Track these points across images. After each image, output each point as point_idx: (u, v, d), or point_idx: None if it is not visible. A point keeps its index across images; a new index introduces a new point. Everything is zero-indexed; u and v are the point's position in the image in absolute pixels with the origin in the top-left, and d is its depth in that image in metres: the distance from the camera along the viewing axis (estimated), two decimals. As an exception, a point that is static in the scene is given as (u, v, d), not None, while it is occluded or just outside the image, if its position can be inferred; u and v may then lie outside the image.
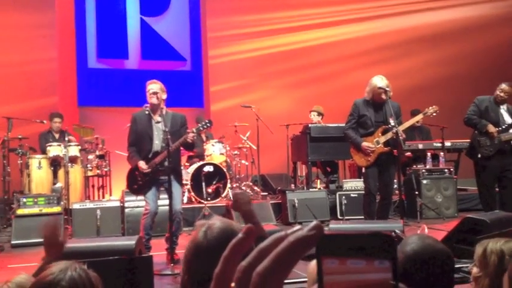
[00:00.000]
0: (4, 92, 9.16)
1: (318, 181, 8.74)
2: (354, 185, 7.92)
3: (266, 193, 8.61)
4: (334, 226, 4.68)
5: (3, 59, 9.32)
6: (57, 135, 8.16)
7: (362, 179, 6.63)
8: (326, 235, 0.48)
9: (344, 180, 8.34)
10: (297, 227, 0.50)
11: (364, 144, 5.76)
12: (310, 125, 8.27)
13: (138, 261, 3.37)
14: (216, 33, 10.92)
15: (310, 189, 8.06)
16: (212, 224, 1.55)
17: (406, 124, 5.91)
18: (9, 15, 9.47)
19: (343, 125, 6.15)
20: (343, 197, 7.73)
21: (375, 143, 5.76)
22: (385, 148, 5.76)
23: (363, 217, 6.13)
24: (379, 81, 5.78)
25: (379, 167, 5.82)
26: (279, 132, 8.66)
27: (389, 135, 5.70)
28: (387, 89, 5.73)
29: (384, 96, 5.73)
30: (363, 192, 6.16)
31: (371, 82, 5.85)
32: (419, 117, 6.30)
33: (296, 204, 7.43)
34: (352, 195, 7.76)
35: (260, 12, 11.17)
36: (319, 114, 8.90)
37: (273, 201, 7.83)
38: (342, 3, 11.77)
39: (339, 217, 7.62)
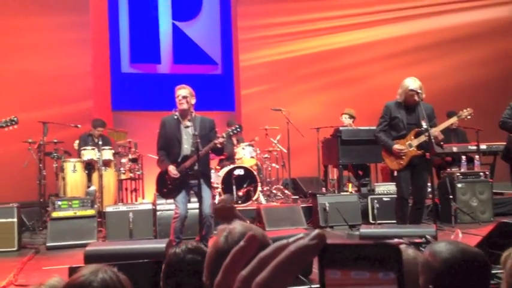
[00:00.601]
0: (40, 96, 9.39)
1: (350, 185, 8.64)
2: (386, 189, 7.80)
3: (297, 196, 8.56)
4: (364, 230, 4.61)
5: (39, 64, 9.56)
6: (96, 140, 8.31)
7: (394, 183, 6.53)
8: (328, 245, 0.47)
9: (376, 184, 8.23)
10: (300, 235, 0.49)
11: (396, 147, 5.66)
12: (341, 128, 8.20)
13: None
14: (247, 35, 10.95)
15: (342, 193, 7.98)
16: (233, 228, 1.54)
17: (441, 126, 5.78)
18: (45, 20, 9.69)
19: (375, 127, 6.07)
20: (375, 201, 7.62)
21: (408, 146, 5.66)
22: (418, 151, 5.65)
23: (395, 221, 6.04)
24: (411, 82, 5.68)
25: (411, 171, 5.72)
26: (310, 135, 8.62)
27: (422, 138, 5.59)
28: (419, 91, 5.62)
29: (416, 98, 5.62)
30: (395, 196, 6.06)
31: (403, 84, 5.76)
32: (453, 120, 6.16)
33: (327, 208, 7.37)
34: (384, 199, 7.64)
35: (290, 14, 11.15)
36: (351, 117, 8.81)
37: (303, 205, 7.78)
38: (373, 4, 11.64)
39: (371, 221, 7.52)
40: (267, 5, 11.05)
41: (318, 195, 7.61)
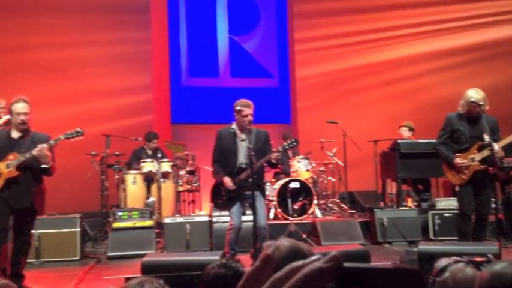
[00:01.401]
0: (102, 110, 9.73)
1: (409, 199, 8.41)
2: (447, 204, 7.53)
3: (354, 211, 8.42)
4: (423, 247, 4.46)
5: (101, 78, 9.93)
6: (150, 152, 8.53)
7: (456, 198, 6.29)
8: (344, 268, 0.45)
9: (437, 199, 7.97)
10: (315, 256, 0.47)
11: (457, 160, 5.47)
12: (399, 141, 8.02)
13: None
14: (303, 47, 10.94)
15: (401, 208, 7.78)
16: (280, 244, 1.54)
17: (505, 141, 5.54)
18: (107, 36, 10.04)
19: (435, 140, 5.90)
20: (436, 217, 7.37)
21: (470, 160, 5.46)
22: (481, 166, 5.43)
23: (457, 238, 5.82)
24: (474, 94, 5.48)
25: (474, 186, 5.50)
26: (367, 148, 8.48)
27: (485, 152, 5.37)
28: (482, 102, 5.41)
29: (478, 110, 5.42)
30: (457, 211, 5.85)
31: (465, 95, 5.56)
32: (503, 142, 5.85)
33: (385, 223, 7.21)
34: (445, 214, 7.38)
35: (347, 25, 11.05)
36: (410, 129, 8.59)
37: (360, 219, 7.65)
38: (434, 13, 11.34)
39: (431, 238, 7.28)
40: (323, 17, 11.01)
41: (375, 209, 7.46)
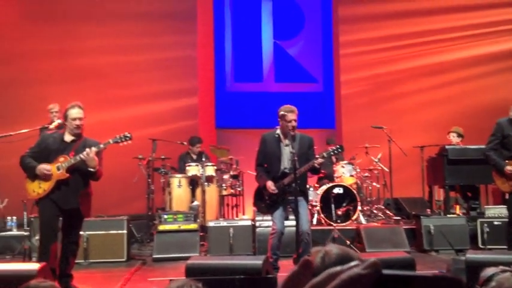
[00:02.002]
0: (149, 114, 9.94)
1: (457, 207, 8.19)
2: (497, 212, 7.29)
3: (399, 217, 8.27)
4: (471, 256, 4.33)
5: (148, 82, 10.15)
6: (195, 157, 8.64)
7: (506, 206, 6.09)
8: (383, 275, 0.45)
9: (486, 206, 7.73)
10: (354, 262, 0.47)
11: (508, 168, 5.30)
12: (447, 147, 7.83)
13: (263, 281, 3.43)
14: (348, 51, 10.86)
15: (448, 215, 7.59)
16: (329, 250, 1.53)
17: None
18: (153, 40, 10.25)
19: (484, 146, 5.74)
20: (485, 225, 7.15)
21: None
22: None
23: (506, 247, 5.63)
24: None
25: None
26: (413, 154, 8.32)
27: None
28: None
29: None
30: (507, 220, 5.66)
31: None
32: None
33: (432, 231, 7.05)
34: (495, 222, 7.15)
35: (394, 28, 10.91)
36: (459, 135, 8.37)
37: (406, 227, 7.50)
38: (481, 16, 11.02)
39: (480, 246, 7.06)
40: (368, 21, 10.89)
41: (422, 216, 7.30)
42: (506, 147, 5.46)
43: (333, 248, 1.59)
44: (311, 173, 5.61)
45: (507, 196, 5.62)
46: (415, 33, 10.89)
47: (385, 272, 0.45)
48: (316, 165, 5.06)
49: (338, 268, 0.47)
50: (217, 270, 3.90)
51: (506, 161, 5.38)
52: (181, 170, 8.47)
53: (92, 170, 4.80)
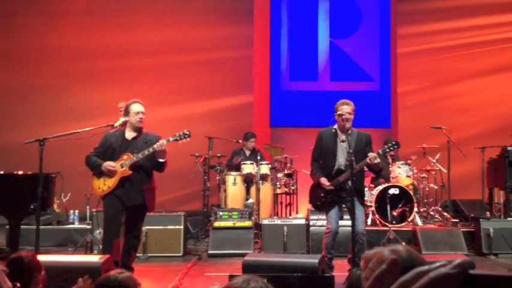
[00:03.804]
0: (205, 112, 10.13)
1: (519, 210, 7.92)
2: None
3: (457, 220, 8.06)
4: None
5: (205, 80, 10.34)
6: (248, 153, 8.74)
7: None
8: (471, 275, 0.47)
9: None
10: (440, 262, 0.50)
11: None
12: (508, 148, 7.58)
13: (320, 280, 3.46)
14: (405, 48, 10.67)
15: (509, 218, 7.35)
16: (396, 248, 1.56)
17: None
18: (211, 36, 10.47)
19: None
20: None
21: None
22: None
23: None
24: None
25: None
26: (473, 155, 8.10)
27: None
28: None
29: None
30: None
31: None
32: None
33: (491, 234, 6.86)
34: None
35: (453, 25, 10.63)
36: (526, 135, 8.08)
37: (464, 229, 7.33)
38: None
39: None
40: (427, 18, 10.66)
41: (481, 219, 7.12)
42: None
43: (400, 247, 1.61)
44: (371, 171, 5.54)
45: None
46: (476, 28, 10.57)
47: (472, 271, 0.47)
48: (369, 161, 4.98)
49: (426, 267, 0.50)
50: (274, 267, 3.97)
51: None
52: (230, 165, 8.57)
53: (162, 160, 4.99)
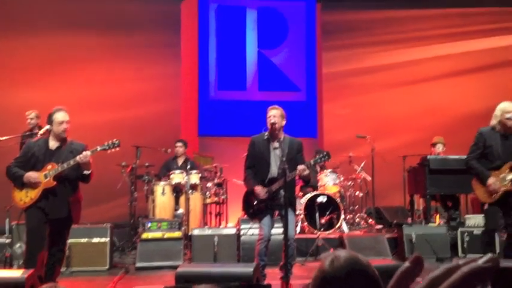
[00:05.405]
0: (132, 120, 9.88)
1: (437, 216, 8.33)
2: (477, 221, 7.44)
3: (381, 226, 8.36)
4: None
5: (132, 88, 10.12)
6: (180, 162, 8.61)
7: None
8: (503, 269, 0.46)
9: (466, 216, 7.87)
10: (470, 257, 0.50)
11: (491, 182, 5.23)
12: (428, 157, 7.97)
13: (256, 289, 3.43)
14: (331, 59, 11.00)
15: (429, 224, 7.71)
16: (338, 254, 1.56)
17: None
18: (136, 43, 10.29)
19: (465, 156, 5.72)
20: (465, 234, 7.29)
21: (502, 180, 5.25)
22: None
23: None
24: (508, 106, 5.29)
25: (502, 206, 5.31)
26: (395, 163, 8.44)
27: None
28: None
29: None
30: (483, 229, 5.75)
31: (498, 108, 5.35)
32: None
33: (413, 239, 7.15)
34: (475, 232, 7.29)
35: (375, 37, 11.10)
36: (444, 145, 8.53)
37: (388, 235, 7.59)
38: (459, 25, 11.25)
39: (460, 255, 7.19)
40: (351, 30, 11.06)
41: (403, 225, 7.40)
42: (487, 158, 5.36)
43: (342, 253, 1.62)
44: (302, 181, 5.62)
45: (486, 206, 5.59)
46: (399, 40, 11.09)
47: (503, 265, 0.46)
48: (298, 173, 5.04)
49: (455, 263, 0.49)
50: (208, 278, 3.90)
51: (491, 172, 5.31)
52: (162, 175, 8.43)
53: (87, 172, 4.78)
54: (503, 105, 5.34)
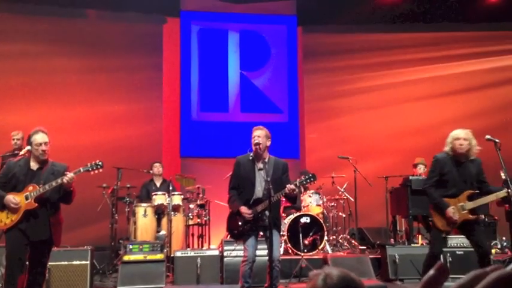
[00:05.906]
0: (114, 143, 9.79)
1: (420, 236, 8.36)
2: (459, 242, 7.48)
3: (364, 247, 8.35)
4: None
5: (113, 110, 10.05)
6: (158, 183, 8.53)
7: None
8: None
9: (449, 236, 7.89)
10: (496, 265, 0.49)
11: (450, 213, 5.14)
12: (410, 178, 8.03)
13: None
14: (312, 82, 11.13)
15: (412, 245, 7.73)
16: (330, 272, 1.54)
17: (488, 199, 5.31)
18: (122, 65, 10.29)
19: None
20: (448, 254, 7.31)
21: (460, 209, 5.18)
22: (471, 216, 5.18)
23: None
24: (459, 133, 5.28)
25: (463, 230, 5.32)
26: (378, 184, 8.48)
27: (479, 201, 5.15)
28: (465, 142, 5.19)
29: (464, 152, 5.20)
30: (469, 249, 5.74)
31: (450, 134, 5.35)
32: (491, 198, 5.39)
33: (397, 260, 7.15)
34: (457, 252, 7.33)
35: (356, 60, 11.28)
36: (425, 166, 8.61)
37: (371, 256, 7.59)
38: (433, 51, 11.49)
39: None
40: (333, 53, 11.22)
41: (387, 246, 7.41)
42: (443, 185, 5.27)
43: (334, 270, 1.60)
44: (288, 201, 5.59)
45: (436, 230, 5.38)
46: (380, 64, 11.26)
47: None
48: (287, 190, 5.03)
49: (482, 270, 0.49)
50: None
51: (449, 201, 5.21)
52: (143, 198, 8.34)
53: (69, 190, 4.74)
54: (455, 132, 5.33)
